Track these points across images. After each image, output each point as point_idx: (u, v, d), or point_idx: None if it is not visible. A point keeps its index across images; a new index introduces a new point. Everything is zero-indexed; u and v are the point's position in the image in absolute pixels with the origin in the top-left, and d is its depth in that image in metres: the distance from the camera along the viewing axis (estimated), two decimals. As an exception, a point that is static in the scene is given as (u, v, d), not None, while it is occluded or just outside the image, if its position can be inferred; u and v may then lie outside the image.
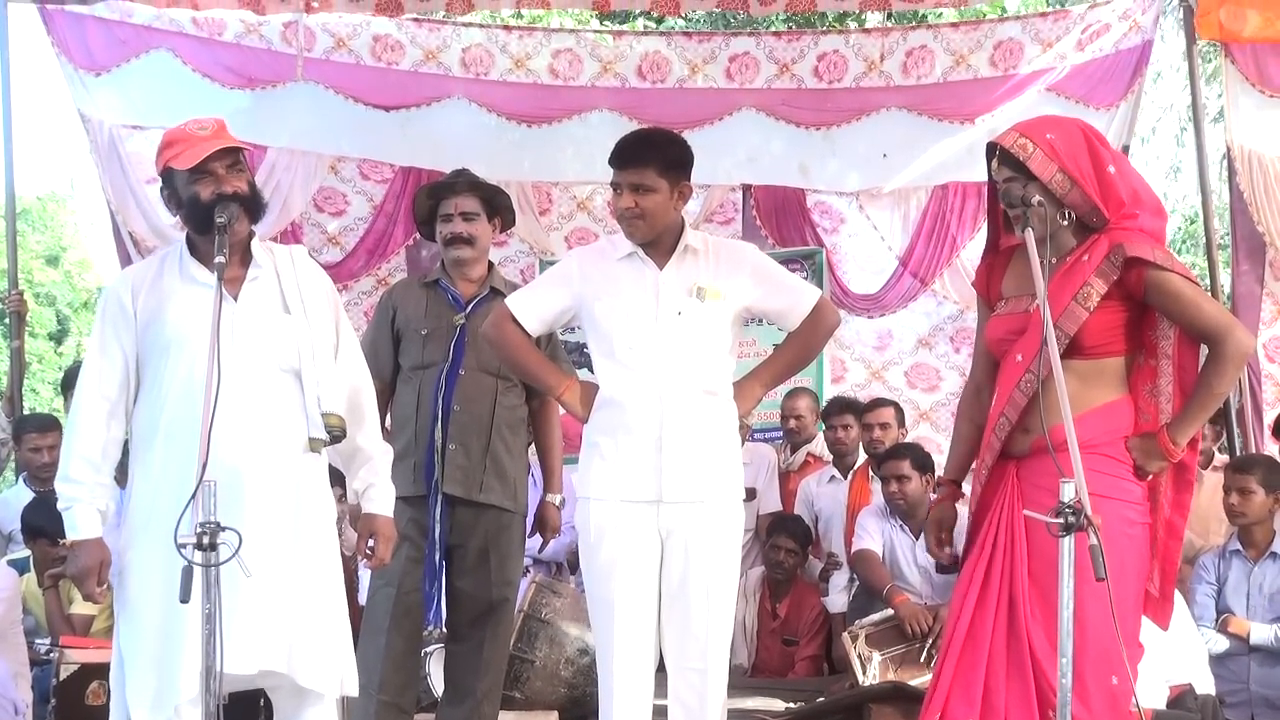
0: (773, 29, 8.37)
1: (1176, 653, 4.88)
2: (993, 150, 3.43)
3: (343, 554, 3.70)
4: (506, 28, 7.84)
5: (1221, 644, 5.50)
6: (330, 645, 3.42)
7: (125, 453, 3.49)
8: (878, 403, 6.64)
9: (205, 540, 2.81)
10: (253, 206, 3.46)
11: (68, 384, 6.39)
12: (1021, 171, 3.34)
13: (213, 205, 3.34)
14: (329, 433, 3.43)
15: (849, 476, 6.62)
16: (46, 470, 5.64)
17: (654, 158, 3.72)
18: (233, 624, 3.05)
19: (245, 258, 3.48)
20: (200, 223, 3.41)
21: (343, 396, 3.51)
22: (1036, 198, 3.30)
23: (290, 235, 7.57)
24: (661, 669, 3.72)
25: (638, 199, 3.70)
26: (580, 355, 4.89)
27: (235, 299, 3.42)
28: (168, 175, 3.45)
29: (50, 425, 6.05)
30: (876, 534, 5.82)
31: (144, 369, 3.42)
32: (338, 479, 5.42)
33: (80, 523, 3.31)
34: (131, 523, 3.37)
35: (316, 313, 3.51)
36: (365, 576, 5.43)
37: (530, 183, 7.94)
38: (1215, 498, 5.92)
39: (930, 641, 5.23)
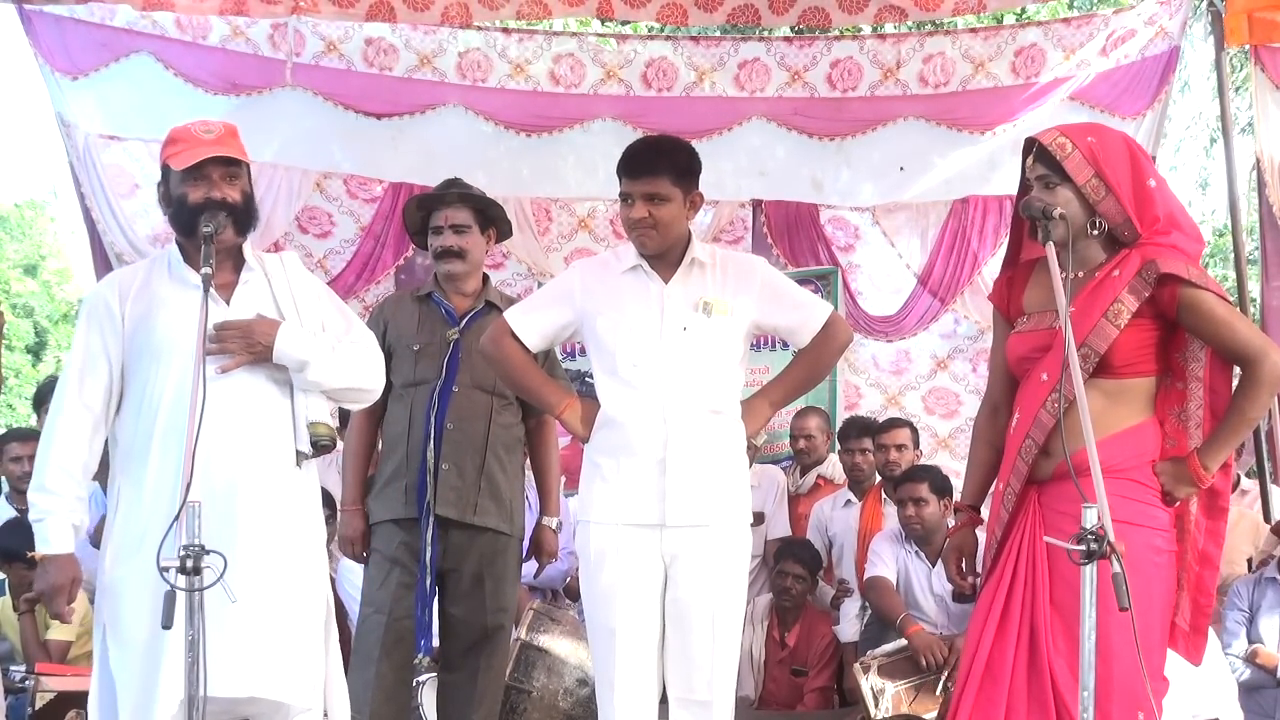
0: (783, 34, 8.22)
1: (1204, 686, 4.77)
2: (1030, 147, 3.38)
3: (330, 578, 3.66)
4: (506, 31, 7.71)
5: (1248, 675, 5.45)
6: (317, 666, 3.37)
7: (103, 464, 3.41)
8: (892, 423, 6.50)
9: (189, 564, 2.75)
10: (243, 217, 3.43)
11: (41, 400, 6.30)
12: (1056, 171, 3.29)
13: (200, 209, 3.31)
14: (318, 442, 3.40)
15: (862, 500, 6.45)
16: (26, 482, 5.53)
17: (667, 166, 3.67)
18: (222, 647, 3.02)
19: (237, 263, 3.45)
20: (186, 225, 3.37)
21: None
22: (1058, 210, 3.22)
23: (272, 256, 7.43)
24: (664, 701, 3.64)
25: (652, 209, 3.63)
26: (581, 385, 4.77)
27: (228, 303, 3.38)
28: (165, 172, 3.42)
29: (32, 436, 5.92)
30: (891, 560, 5.72)
31: (131, 377, 3.35)
32: (328, 501, 5.28)
33: (52, 536, 3.24)
34: (120, 539, 3.28)
35: (310, 320, 3.47)
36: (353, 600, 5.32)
37: (529, 199, 7.82)
38: (1240, 525, 5.79)
39: (946, 674, 5.13)
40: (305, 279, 3.57)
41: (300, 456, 3.39)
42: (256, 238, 7.05)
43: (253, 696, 3.23)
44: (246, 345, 3.33)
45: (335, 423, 3.59)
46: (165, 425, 3.25)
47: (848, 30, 7.53)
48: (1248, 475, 6.59)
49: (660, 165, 3.65)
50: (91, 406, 3.31)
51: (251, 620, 3.18)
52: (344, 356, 3.48)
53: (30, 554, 3.31)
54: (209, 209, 3.30)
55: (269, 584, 3.25)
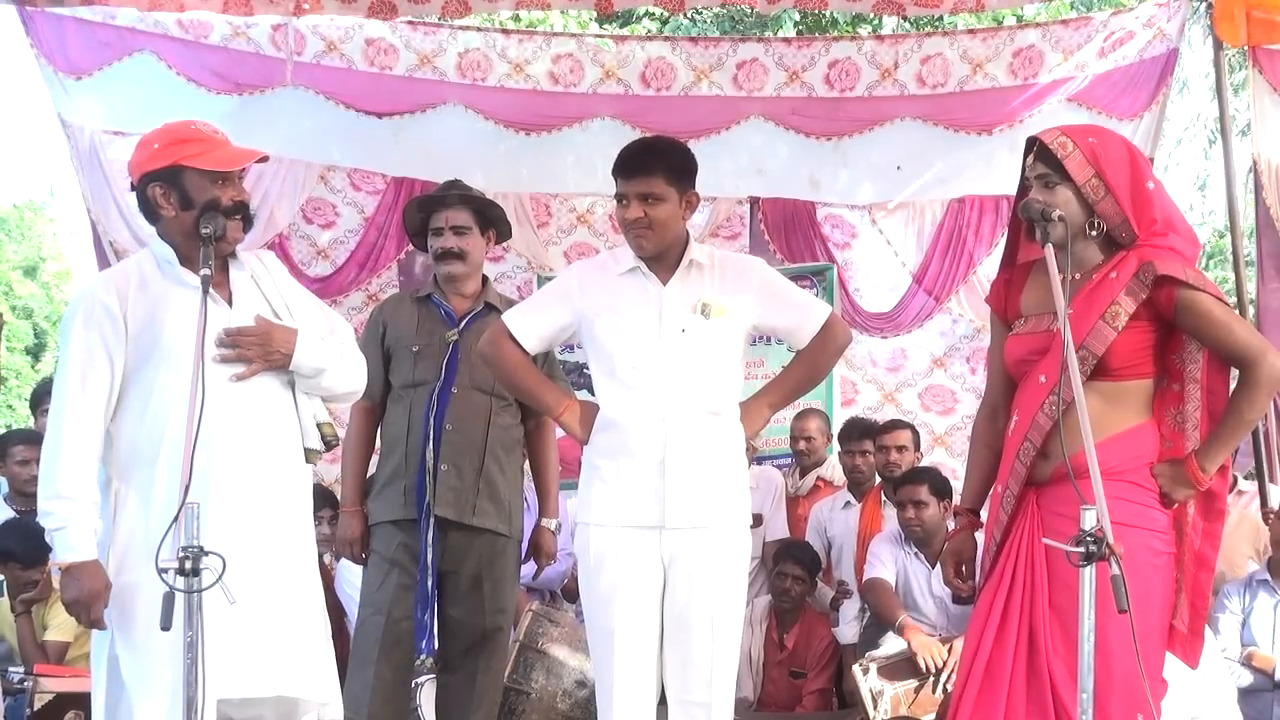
0: (782, 34, 8.22)
1: (1202, 689, 4.76)
2: (1031, 146, 3.37)
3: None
4: (505, 31, 7.71)
5: (1245, 678, 5.44)
6: (326, 662, 3.39)
7: None
8: (894, 424, 6.49)
9: (188, 565, 2.75)
10: (251, 217, 3.46)
11: (38, 401, 6.26)
12: (1057, 170, 3.28)
13: (229, 211, 3.29)
14: (329, 441, 3.43)
15: (862, 502, 6.43)
16: (33, 485, 5.50)
17: (661, 166, 3.66)
18: (248, 646, 3.11)
19: (224, 261, 3.41)
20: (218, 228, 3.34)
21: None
22: (1057, 211, 3.22)
23: (277, 248, 7.37)
24: (663, 702, 3.64)
25: (646, 209, 3.62)
26: (580, 376, 4.77)
27: (230, 304, 3.35)
28: (173, 173, 3.29)
29: (36, 439, 5.89)
30: (890, 562, 5.70)
31: (133, 380, 3.29)
32: (328, 501, 5.25)
33: (77, 543, 3.15)
34: (128, 545, 3.23)
35: (303, 316, 3.45)
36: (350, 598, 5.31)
37: (528, 194, 7.81)
38: (1241, 528, 5.77)
39: (945, 675, 5.11)
40: (287, 277, 3.57)
41: (312, 454, 3.40)
42: (262, 229, 7.10)
43: (279, 695, 3.23)
44: (265, 354, 3.32)
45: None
46: (177, 429, 3.16)
47: (846, 30, 7.53)
48: (1246, 477, 6.58)
49: (654, 165, 3.65)
50: (95, 410, 3.25)
51: (277, 618, 3.21)
52: (349, 362, 3.49)
53: (54, 564, 3.22)
54: (239, 211, 3.31)
55: (289, 582, 3.28)
